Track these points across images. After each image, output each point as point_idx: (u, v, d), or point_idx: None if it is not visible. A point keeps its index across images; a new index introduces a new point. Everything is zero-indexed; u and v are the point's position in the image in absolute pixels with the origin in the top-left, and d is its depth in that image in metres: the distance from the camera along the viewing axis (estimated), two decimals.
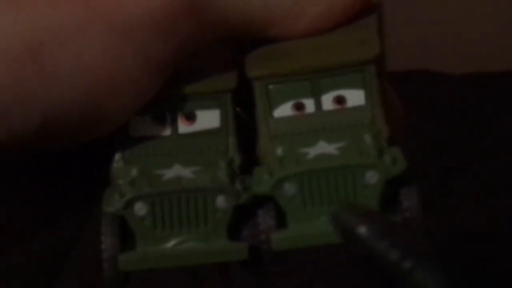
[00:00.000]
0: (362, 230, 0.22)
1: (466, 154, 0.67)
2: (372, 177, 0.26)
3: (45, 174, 0.30)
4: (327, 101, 0.28)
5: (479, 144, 0.68)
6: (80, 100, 0.26)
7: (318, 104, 0.28)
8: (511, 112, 0.71)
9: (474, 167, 0.65)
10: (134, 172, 0.27)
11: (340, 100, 0.28)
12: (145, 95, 0.27)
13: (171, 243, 0.27)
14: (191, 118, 0.28)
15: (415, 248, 0.22)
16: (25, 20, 0.25)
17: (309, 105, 0.28)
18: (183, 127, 0.28)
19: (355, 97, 0.27)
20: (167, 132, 0.28)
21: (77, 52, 0.25)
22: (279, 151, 0.27)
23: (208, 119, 0.28)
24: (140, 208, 0.26)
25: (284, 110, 0.28)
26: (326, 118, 0.27)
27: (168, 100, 0.28)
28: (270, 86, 0.28)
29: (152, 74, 0.26)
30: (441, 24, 0.84)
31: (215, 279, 0.57)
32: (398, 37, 0.83)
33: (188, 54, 0.27)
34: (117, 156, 0.28)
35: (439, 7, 0.84)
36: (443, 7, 0.84)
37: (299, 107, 0.28)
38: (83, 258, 0.55)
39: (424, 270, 0.21)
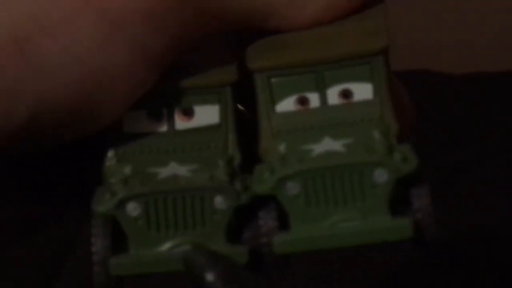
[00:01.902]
0: (210, 276, 0.23)
1: (466, 154, 0.67)
2: (381, 175, 0.25)
3: (42, 173, 0.29)
4: (333, 95, 0.26)
5: (479, 144, 0.68)
6: (69, 93, 0.25)
7: (323, 98, 0.26)
8: (511, 112, 0.71)
9: (474, 167, 0.65)
10: (127, 170, 0.26)
11: (346, 94, 0.26)
12: (139, 88, 0.26)
13: (165, 246, 0.25)
14: (188, 113, 0.27)
15: None
16: (11, 10, 0.24)
17: (314, 99, 0.26)
18: (181, 123, 0.27)
19: (362, 91, 0.26)
20: (164, 128, 0.27)
21: (66, 43, 0.24)
22: (282, 147, 0.26)
23: (206, 114, 0.27)
24: (133, 209, 0.25)
25: (287, 104, 0.26)
26: (332, 113, 0.26)
27: (164, 95, 0.27)
28: (273, 79, 0.26)
29: (146, 66, 0.25)
30: (441, 24, 0.84)
31: None
32: (398, 37, 0.82)
33: (185, 46, 0.26)
34: (110, 153, 0.26)
35: (439, 7, 0.84)
36: (443, 7, 0.83)
37: (303, 101, 0.26)
38: (83, 258, 0.55)
39: None
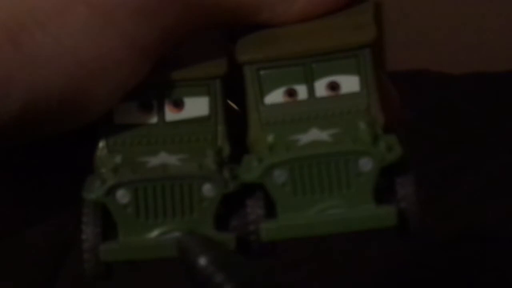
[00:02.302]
0: (202, 261, 0.23)
1: (466, 154, 0.67)
2: (366, 164, 0.25)
3: (37, 169, 0.29)
4: (321, 88, 0.27)
5: (479, 144, 0.68)
6: (61, 84, 0.25)
7: (311, 90, 0.27)
8: (511, 111, 0.71)
9: (474, 167, 0.65)
10: (117, 159, 0.26)
11: (334, 86, 0.27)
12: (131, 80, 0.26)
13: (154, 233, 0.26)
14: (178, 105, 0.27)
15: (249, 281, 0.23)
16: (3, 2, 0.25)
17: (302, 91, 0.27)
18: (171, 114, 0.27)
19: (349, 83, 0.26)
20: (154, 119, 0.27)
21: (57, 35, 0.25)
22: (270, 138, 0.26)
23: (196, 106, 0.27)
24: (122, 196, 0.25)
25: (276, 96, 0.27)
26: (319, 105, 0.26)
27: (155, 87, 0.27)
28: (262, 72, 0.27)
29: (137, 58, 0.26)
30: (441, 24, 0.84)
31: None
32: (398, 37, 0.83)
33: (176, 39, 0.26)
34: (101, 144, 0.27)
35: (439, 7, 0.84)
36: (443, 7, 0.83)
37: (291, 93, 0.27)
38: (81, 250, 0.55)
39: None
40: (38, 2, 0.25)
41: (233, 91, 0.27)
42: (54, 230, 0.53)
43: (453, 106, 0.73)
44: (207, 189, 0.25)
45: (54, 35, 0.25)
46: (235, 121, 0.27)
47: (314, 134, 0.26)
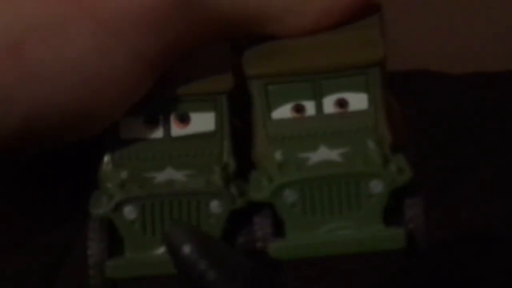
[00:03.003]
0: (186, 249, 0.23)
1: (466, 154, 0.67)
2: (376, 186, 0.25)
3: (39, 176, 0.29)
4: (329, 104, 0.26)
5: (479, 144, 0.68)
6: (64, 100, 0.24)
7: (319, 106, 0.26)
8: (511, 112, 0.71)
9: (474, 167, 0.65)
10: (123, 175, 0.26)
11: (342, 103, 0.26)
12: (135, 94, 0.26)
13: (161, 250, 0.25)
14: (184, 120, 0.27)
15: (232, 269, 0.23)
16: (4, 17, 0.24)
17: (310, 107, 0.26)
18: (176, 129, 0.27)
19: (357, 101, 0.26)
20: (160, 134, 0.27)
21: (60, 50, 0.24)
22: (278, 155, 0.26)
23: (202, 121, 0.27)
24: (129, 212, 0.25)
25: (283, 112, 0.27)
26: (327, 121, 0.26)
27: (161, 101, 0.27)
28: (270, 86, 0.26)
29: (142, 72, 0.25)
30: (441, 24, 0.84)
31: None
32: (398, 37, 0.82)
33: (181, 52, 0.26)
34: (106, 158, 0.26)
35: (439, 7, 0.83)
36: (443, 7, 0.83)
37: (299, 109, 0.27)
38: (82, 261, 0.55)
39: None
40: (40, 17, 0.24)
41: (234, 105, 0.27)
42: (53, 234, 0.53)
43: (453, 106, 0.73)
44: (215, 205, 0.25)
45: (57, 51, 0.24)
46: (238, 136, 0.27)
47: (324, 153, 0.26)
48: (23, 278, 0.56)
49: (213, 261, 0.23)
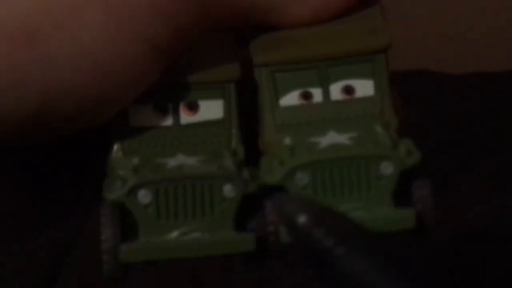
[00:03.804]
0: (302, 218, 0.23)
1: (466, 154, 0.67)
2: (387, 168, 0.25)
3: (41, 171, 0.29)
4: (336, 91, 0.27)
5: (479, 144, 0.68)
6: (78, 84, 0.25)
7: (326, 93, 0.27)
8: (511, 112, 0.71)
9: (474, 167, 0.65)
10: (135, 161, 0.26)
11: (349, 90, 0.27)
12: (145, 79, 0.26)
13: (175, 234, 0.26)
14: (193, 108, 0.27)
15: (347, 235, 0.23)
16: (20, 3, 0.25)
17: (317, 94, 0.27)
18: (185, 117, 0.27)
19: (364, 87, 0.27)
20: (169, 122, 0.27)
21: (73, 35, 0.25)
22: (288, 140, 0.26)
23: (211, 109, 0.27)
24: (144, 196, 0.25)
25: (291, 99, 0.27)
26: (335, 108, 0.27)
27: (170, 89, 0.27)
28: (277, 74, 0.27)
29: (153, 57, 0.26)
30: (441, 24, 0.84)
31: (216, 282, 0.56)
32: (398, 37, 0.82)
33: (190, 39, 0.27)
34: (116, 146, 0.27)
35: (439, 6, 0.83)
36: (443, 7, 0.83)
37: (306, 96, 0.27)
38: (83, 259, 0.55)
39: (354, 256, 0.22)
40: (54, 2, 0.25)
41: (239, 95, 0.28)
42: (53, 232, 0.53)
43: (453, 106, 0.73)
44: (228, 189, 0.26)
45: (71, 35, 0.25)
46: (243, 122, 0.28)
47: (333, 137, 0.26)
48: (24, 274, 0.56)
49: (329, 229, 0.23)
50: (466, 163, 0.65)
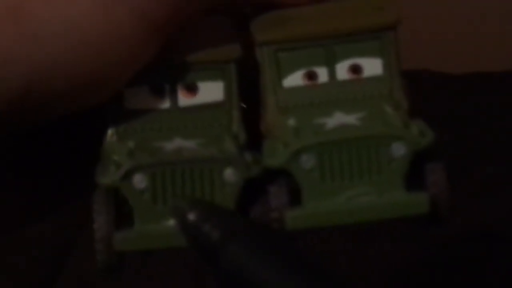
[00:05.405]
0: (191, 215, 0.23)
1: (466, 154, 0.67)
2: (399, 149, 0.24)
3: (38, 166, 0.28)
4: (342, 70, 0.25)
5: (479, 144, 0.68)
6: (67, 62, 0.23)
7: (332, 73, 0.25)
8: (511, 112, 0.71)
9: (474, 167, 0.65)
10: (130, 144, 0.25)
11: (356, 69, 0.25)
12: (140, 57, 0.25)
13: (171, 221, 0.24)
14: (192, 89, 0.26)
15: (232, 231, 0.23)
16: None
17: (322, 74, 0.25)
18: (184, 99, 0.26)
19: (372, 66, 0.25)
20: (166, 104, 0.26)
21: (62, 9, 0.23)
22: (292, 122, 0.24)
23: (211, 91, 0.26)
24: (139, 180, 0.24)
25: (295, 79, 0.25)
26: (341, 88, 0.25)
27: (167, 70, 0.25)
28: (280, 53, 0.25)
29: (147, 34, 0.24)
30: (441, 24, 0.84)
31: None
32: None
33: (186, 16, 0.25)
34: (111, 130, 0.25)
35: (439, 6, 0.83)
36: (443, 7, 0.83)
37: (311, 76, 0.25)
38: (83, 258, 0.55)
39: (240, 247, 0.22)
40: None
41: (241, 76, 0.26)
42: (54, 230, 0.53)
43: (453, 106, 0.73)
44: (229, 173, 0.24)
45: (59, 10, 0.23)
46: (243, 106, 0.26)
47: (341, 118, 0.24)
48: (25, 273, 0.56)
49: (216, 223, 0.23)
50: (466, 163, 0.65)
